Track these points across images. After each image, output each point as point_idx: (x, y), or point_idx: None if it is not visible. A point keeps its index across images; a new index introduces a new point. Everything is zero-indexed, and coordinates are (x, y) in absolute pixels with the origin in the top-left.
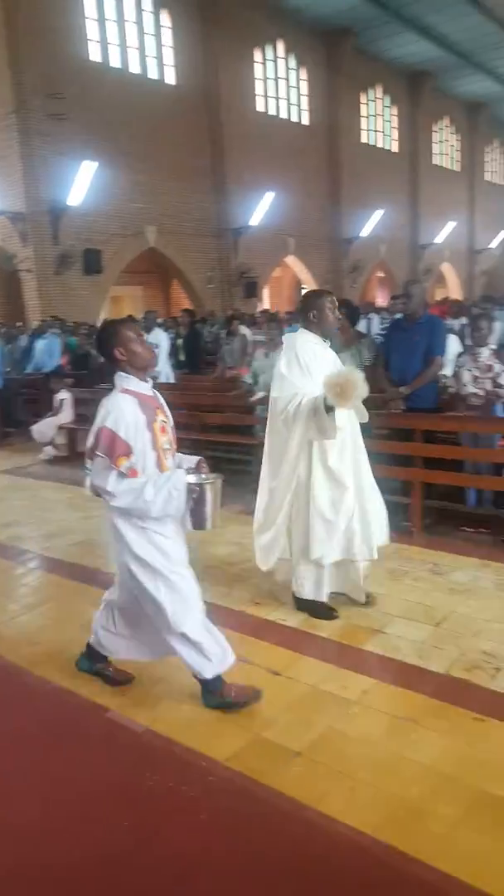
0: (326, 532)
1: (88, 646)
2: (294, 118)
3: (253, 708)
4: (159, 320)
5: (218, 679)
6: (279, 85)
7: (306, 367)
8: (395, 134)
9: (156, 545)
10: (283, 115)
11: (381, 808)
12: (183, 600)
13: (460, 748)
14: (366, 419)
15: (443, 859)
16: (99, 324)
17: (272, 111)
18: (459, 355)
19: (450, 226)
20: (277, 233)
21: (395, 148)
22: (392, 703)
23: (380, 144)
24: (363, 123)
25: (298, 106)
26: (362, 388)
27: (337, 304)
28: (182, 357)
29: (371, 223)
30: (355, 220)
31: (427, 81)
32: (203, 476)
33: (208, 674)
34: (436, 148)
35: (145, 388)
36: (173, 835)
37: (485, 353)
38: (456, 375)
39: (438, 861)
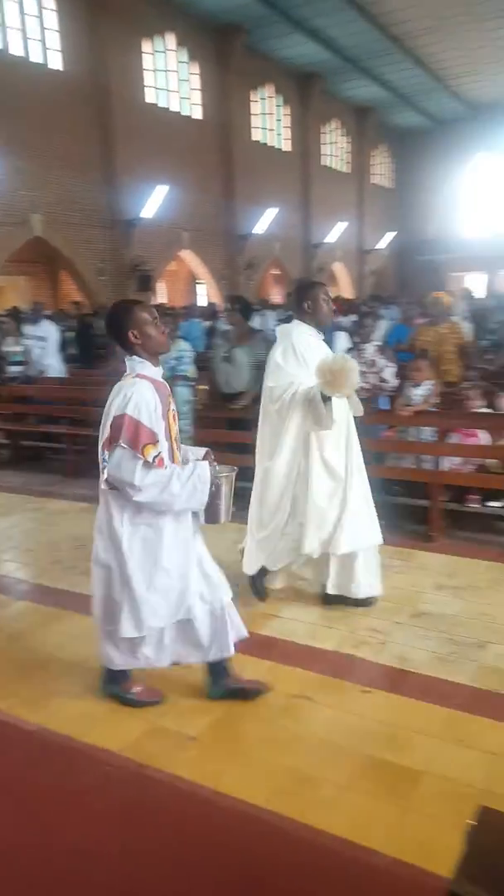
0: (319, 525)
1: None
2: (186, 112)
3: None
4: (47, 312)
5: (127, 672)
6: (169, 78)
7: (302, 358)
8: (287, 133)
9: (150, 550)
10: (175, 108)
11: (272, 780)
12: (145, 611)
13: (349, 719)
14: (360, 413)
15: (332, 822)
16: None
17: (163, 104)
18: (347, 351)
19: (340, 226)
20: (172, 226)
21: (286, 147)
22: (286, 682)
23: (272, 143)
24: (255, 121)
25: (190, 100)
26: (355, 376)
27: (233, 299)
28: (73, 351)
29: (265, 221)
30: (250, 217)
31: (316, 83)
32: (217, 468)
33: (124, 668)
34: (326, 149)
35: (158, 374)
36: (69, 826)
37: (369, 350)
38: None
39: (329, 824)
